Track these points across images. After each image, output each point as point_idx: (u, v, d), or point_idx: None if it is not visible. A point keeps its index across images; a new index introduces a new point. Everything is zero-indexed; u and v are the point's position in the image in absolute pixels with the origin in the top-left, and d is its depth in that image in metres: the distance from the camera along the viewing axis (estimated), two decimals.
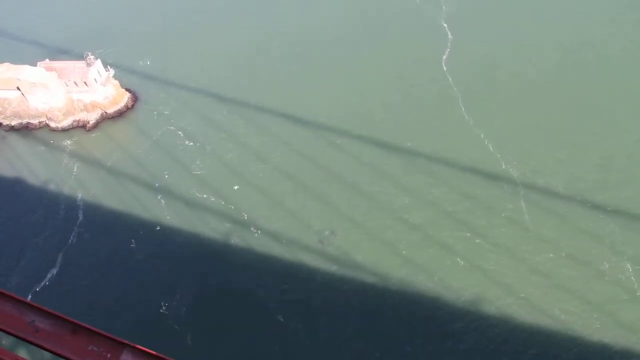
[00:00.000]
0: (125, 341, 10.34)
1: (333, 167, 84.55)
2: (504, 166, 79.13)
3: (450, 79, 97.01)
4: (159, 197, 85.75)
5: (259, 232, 77.08)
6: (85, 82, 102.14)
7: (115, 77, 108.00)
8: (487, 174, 78.55)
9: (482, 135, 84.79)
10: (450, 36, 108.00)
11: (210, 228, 79.30)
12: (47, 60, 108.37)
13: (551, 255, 67.49)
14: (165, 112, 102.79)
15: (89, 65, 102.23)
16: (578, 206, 72.06)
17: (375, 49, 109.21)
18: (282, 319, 66.19)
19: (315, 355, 62.69)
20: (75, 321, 10.58)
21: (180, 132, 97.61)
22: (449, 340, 61.66)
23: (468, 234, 71.66)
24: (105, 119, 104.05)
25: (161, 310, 69.42)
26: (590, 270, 65.08)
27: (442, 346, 61.34)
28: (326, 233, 74.75)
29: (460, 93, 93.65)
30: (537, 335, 60.45)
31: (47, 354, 10.56)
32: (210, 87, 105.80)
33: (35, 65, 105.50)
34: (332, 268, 70.86)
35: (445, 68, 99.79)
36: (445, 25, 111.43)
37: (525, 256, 67.91)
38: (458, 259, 69.15)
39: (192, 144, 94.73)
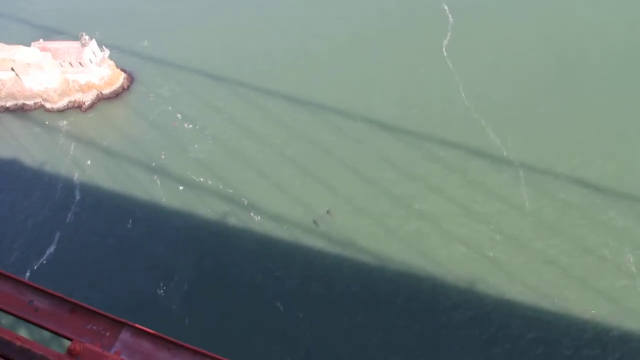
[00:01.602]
0: (124, 320, 10.39)
1: (332, 150, 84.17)
2: (505, 153, 78.77)
3: (451, 65, 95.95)
4: (155, 178, 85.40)
5: (258, 214, 76.88)
6: (80, 63, 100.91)
7: (110, 57, 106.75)
8: (488, 159, 78.26)
9: (482, 122, 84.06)
10: (451, 20, 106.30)
11: (208, 209, 79.07)
12: (41, 40, 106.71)
13: (551, 240, 67.49)
14: (162, 93, 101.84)
15: (83, 45, 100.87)
16: (579, 192, 72.06)
17: (375, 33, 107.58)
18: (279, 304, 66.14)
19: (313, 338, 62.80)
20: (74, 300, 10.61)
21: (177, 113, 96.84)
22: (448, 323, 61.91)
23: (469, 219, 71.65)
24: (101, 99, 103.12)
25: (159, 291, 69.51)
26: (591, 255, 65.14)
27: (441, 330, 61.57)
28: (325, 216, 74.60)
29: (461, 79, 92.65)
30: (536, 320, 60.65)
31: (46, 333, 10.62)
32: (208, 69, 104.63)
33: (29, 45, 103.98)
34: (331, 251, 70.88)
35: (446, 54, 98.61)
36: (446, 7, 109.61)
37: (525, 242, 67.92)
38: (458, 243, 69.06)
39: (189, 125, 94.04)
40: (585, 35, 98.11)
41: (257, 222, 76.00)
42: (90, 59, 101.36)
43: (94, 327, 10.24)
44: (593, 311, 60.30)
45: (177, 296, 68.82)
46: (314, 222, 73.98)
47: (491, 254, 67.07)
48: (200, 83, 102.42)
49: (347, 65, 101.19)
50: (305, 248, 71.44)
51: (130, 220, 79.68)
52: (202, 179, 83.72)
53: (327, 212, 74.86)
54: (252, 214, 77.26)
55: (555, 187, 73.08)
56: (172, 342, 9.92)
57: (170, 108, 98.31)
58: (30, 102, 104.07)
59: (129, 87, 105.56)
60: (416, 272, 66.50)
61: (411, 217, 72.87)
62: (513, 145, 79.60)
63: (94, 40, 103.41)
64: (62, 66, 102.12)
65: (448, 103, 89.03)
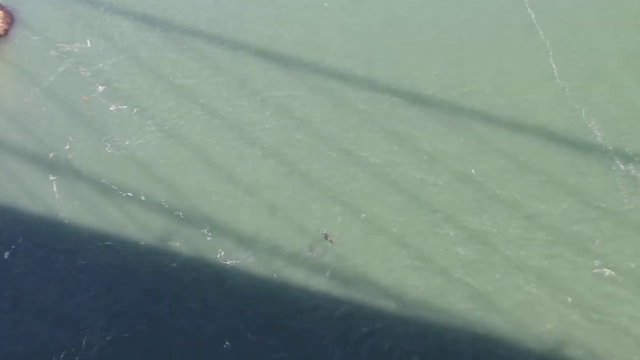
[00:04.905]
0: None
1: (337, 136, 77.14)
2: (609, 147, 71.49)
3: (534, 16, 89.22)
4: (51, 180, 78.47)
5: (220, 241, 69.92)
6: None
7: None
8: (585, 156, 71.27)
9: (579, 106, 76.39)
10: None
11: (141, 232, 71.56)
12: None
13: None
14: (68, 48, 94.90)
15: None
16: None
17: None
18: None
19: None
20: None
21: (94, 81, 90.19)
22: None
23: (537, 235, 64.17)
24: None
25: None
26: None
27: None
28: (322, 242, 68.70)
29: (549, 40, 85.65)
30: None
31: None
32: (150, 11, 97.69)
33: None
34: (332, 296, 64.07)
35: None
36: None
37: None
38: (518, 275, 61.22)
39: (116, 100, 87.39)
40: None
41: (218, 252, 68.90)
42: None
43: None
44: None
45: None
46: (310, 249, 67.38)
47: (576, 290, 59.07)
48: (138, 34, 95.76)
49: (366, 12, 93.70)
50: (293, 291, 65.61)
51: (12, 248, 72.88)
52: (133, 187, 76.59)
53: (325, 235, 68.33)
54: (211, 240, 70.20)
55: None
56: None
57: (83, 71, 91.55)
58: None
59: (7, 32, 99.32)
60: (471, 331, 58.45)
61: (461, 243, 65.33)
62: (618, 136, 71.65)
63: None
64: None
65: (531, 77, 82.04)
